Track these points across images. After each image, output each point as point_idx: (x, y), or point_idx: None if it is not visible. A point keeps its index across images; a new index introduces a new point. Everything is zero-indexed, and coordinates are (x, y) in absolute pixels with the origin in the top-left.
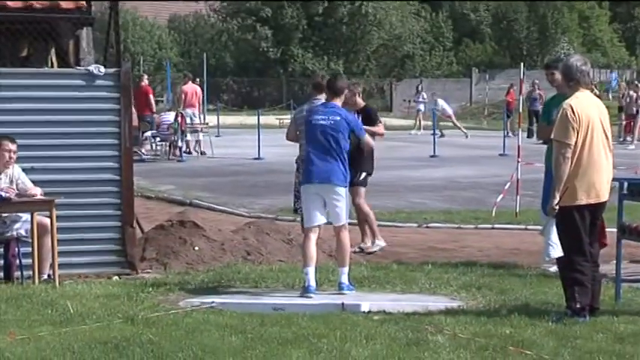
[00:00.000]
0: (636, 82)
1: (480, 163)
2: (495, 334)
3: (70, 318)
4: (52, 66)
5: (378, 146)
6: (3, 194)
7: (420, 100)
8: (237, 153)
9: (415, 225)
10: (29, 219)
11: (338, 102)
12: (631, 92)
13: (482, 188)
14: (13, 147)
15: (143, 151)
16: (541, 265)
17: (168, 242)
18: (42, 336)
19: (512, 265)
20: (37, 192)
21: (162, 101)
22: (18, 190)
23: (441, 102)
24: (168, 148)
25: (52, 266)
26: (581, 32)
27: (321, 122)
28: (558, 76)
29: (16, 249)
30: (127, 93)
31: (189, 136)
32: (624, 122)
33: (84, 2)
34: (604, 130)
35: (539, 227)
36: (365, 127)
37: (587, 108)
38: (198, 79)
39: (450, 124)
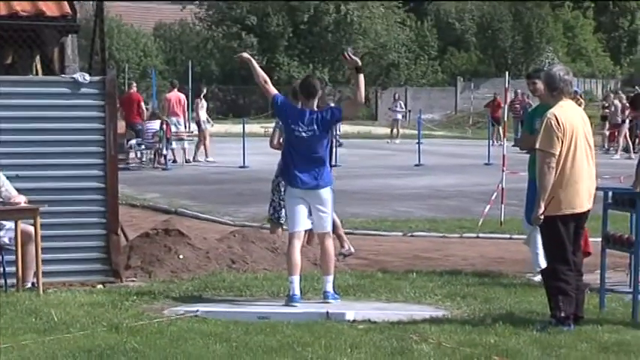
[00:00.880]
0: (620, 93)
1: (465, 172)
2: (480, 343)
3: (54, 326)
4: (36, 74)
5: (363, 154)
6: None
7: (398, 109)
8: (223, 161)
9: (400, 234)
10: (13, 227)
11: (313, 103)
12: (616, 102)
13: (467, 197)
14: None
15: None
16: (525, 275)
17: (153, 250)
18: (26, 344)
19: (496, 274)
20: (22, 200)
21: (147, 109)
22: (2, 197)
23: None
24: (153, 156)
25: (36, 274)
26: (566, 42)
27: (302, 135)
28: (540, 85)
29: (0, 257)
30: (112, 101)
31: (174, 145)
32: (608, 132)
33: (69, 10)
34: (587, 140)
35: (524, 236)
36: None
37: (572, 117)
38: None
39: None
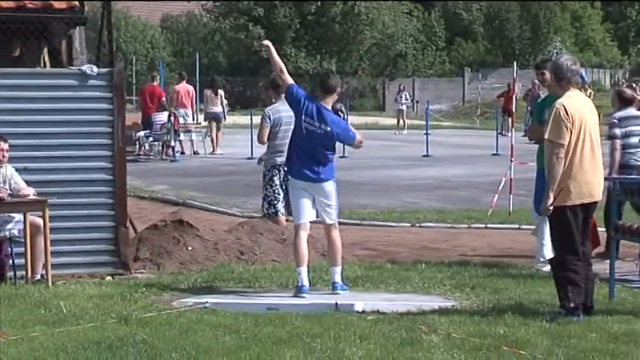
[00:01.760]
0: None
1: (473, 163)
2: (489, 334)
3: (63, 318)
4: (44, 66)
5: (371, 145)
6: None
7: (402, 100)
8: (230, 153)
9: (408, 225)
10: (22, 219)
11: (330, 100)
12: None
13: (475, 187)
14: (4, 146)
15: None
16: (534, 265)
17: (162, 242)
18: (35, 336)
19: (505, 264)
20: (30, 192)
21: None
22: (11, 190)
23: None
24: (161, 148)
25: (45, 266)
26: (574, 32)
27: (312, 129)
28: (549, 76)
29: (9, 249)
30: (119, 92)
31: (182, 136)
32: None
33: (76, 2)
34: (595, 130)
35: (533, 227)
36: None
37: (580, 108)
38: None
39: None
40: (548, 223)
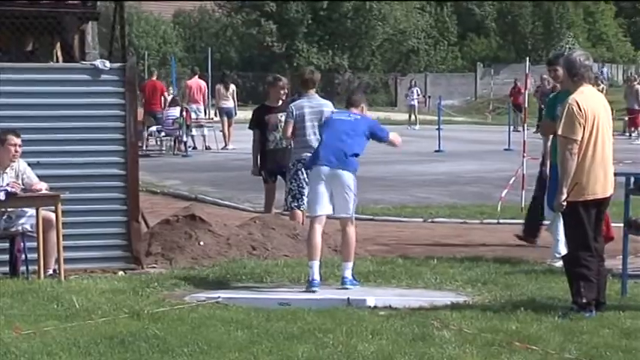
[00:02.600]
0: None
1: (485, 158)
2: (501, 330)
3: (75, 313)
4: (57, 60)
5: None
6: (9, 189)
7: (414, 95)
8: (242, 148)
9: (420, 220)
10: (34, 214)
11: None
12: (638, 86)
13: (487, 183)
14: (18, 141)
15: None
16: (547, 261)
17: (174, 237)
18: (48, 331)
19: (517, 260)
20: (43, 187)
21: (166, 96)
22: (23, 184)
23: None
24: (173, 143)
25: (57, 261)
26: (586, 27)
27: (341, 117)
28: (562, 72)
29: (22, 244)
30: (132, 87)
31: (194, 132)
32: (627, 118)
33: None
34: (608, 126)
35: (546, 223)
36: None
37: (593, 103)
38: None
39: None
40: (562, 219)
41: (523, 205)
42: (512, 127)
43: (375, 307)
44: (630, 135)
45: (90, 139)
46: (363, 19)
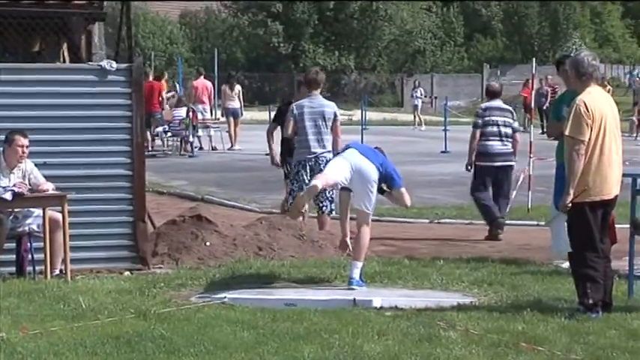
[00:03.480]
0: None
1: None
2: (508, 330)
3: (82, 313)
4: (64, 61)
5: (389, 140)
6: (16, 189)
7: (418, 95)
8: (249, 148)
9: (426, 221)
10: (41, 214)
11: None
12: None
13: None
14: (25, 142)
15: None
16: (553, 261)
17: (180, 237)
18: (54, 331)
19: (524, 261)
20: (50, 187)
21: (168, 97)
22: (30, 185)
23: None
24: (179, 143)
25: (64, 261)
26: (593, 28)
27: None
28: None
29: (29, 244)
30: (138, 88)
31: (200, 132)
32: (636, 118)
33: None
34: (615, 126)
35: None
36: None
37: (600, 104)
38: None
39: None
40: (564, 217)
41: (530, 206)
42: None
43: (382, 307)
44: (636, 137)
45: (96, 140)
46: (370, 19)
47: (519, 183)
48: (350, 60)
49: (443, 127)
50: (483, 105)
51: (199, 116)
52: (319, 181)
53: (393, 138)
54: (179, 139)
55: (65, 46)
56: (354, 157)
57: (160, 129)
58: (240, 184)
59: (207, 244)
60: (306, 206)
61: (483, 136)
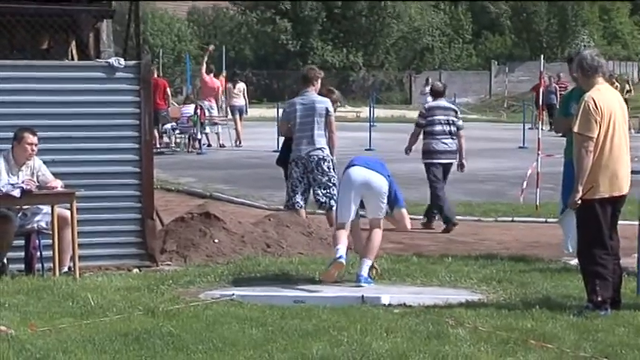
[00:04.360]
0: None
1: (500, 156)
2: (516, 328)
3: (90, 310)
4: (72, 59)
5: (398, 138)
6: (24, 187)
7: (425, 92)
8: (257, 145)
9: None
10: (50, 211)
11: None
12: None
13: (502, 181)
14: (34, 139)
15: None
16: (561, 258)
17: (188, 235)
18: (63, 328)
19: (532, 258)
20: (58, 184)
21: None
22: (39, 182)
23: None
24: (187, 140)
25: (72, 258)
26: (602, 25)
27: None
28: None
29: (37, 241)
30: (147, 85)
31: (207, 129)
32: None
33: None
34: (623, 123)
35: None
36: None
37: (609, 100)
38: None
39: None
40: (574, 215)
41: (538, 203)
42: (530, 125)
43: (390, 304)
44: None
45: (105, 137)
46: (378, 16)
47: (528, 176)
48: (358, 57)
49: None
50: (427, 105)
51: (206, 113)
52: (341, 247)
53: (402, 135)
54: (187, 137)
55: (73, 43)
56: (359, 174)
57: (167, 126)
58: (248, 181)
59: (216, 241)
60: (302, 203)
61: (430, 135)
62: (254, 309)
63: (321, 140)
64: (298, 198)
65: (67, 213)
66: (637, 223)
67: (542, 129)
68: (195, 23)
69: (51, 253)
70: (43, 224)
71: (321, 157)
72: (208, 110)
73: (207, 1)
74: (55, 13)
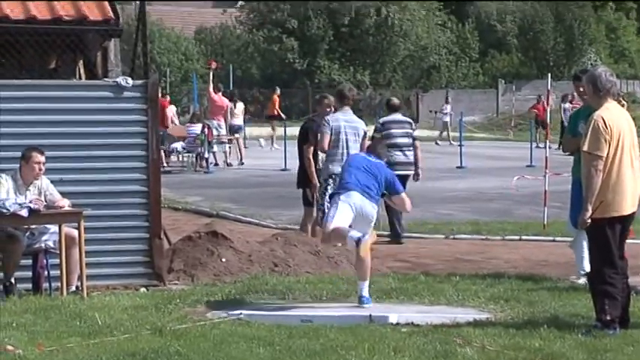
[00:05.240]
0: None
1: (507, 174)
2: (524, 347)
3: (98, 329)
4: (80, 78)
5: None
6: (32, 206)
7: (447, 111)
8: (264, 164)
9: (442, 236)
10: (57, 230)
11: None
12: None
13: (509, 199)
14: (42, 158)
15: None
16: (570, 277)
17: (196, 254)
18: (70, 347)
19: (540, 277)
20: (66, 204)
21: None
22: (46, 201)
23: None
24: (194, 159)
25: (80, 278)
26: (609, 43)
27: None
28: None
29: (45, 260)
30: (154, 104)
31: (215, 148)
32: None
33: (111, 14)
34: (632, 142)
35: (568, 239)
36: None
37: (618, 119)
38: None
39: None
40: (584, 234)
41: (545, 222)
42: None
43: (398, 323)
44: None
45: (112, 156)
46: (385, 35)
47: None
48: (365, 76)
49: (458, 143)
50: (381, 120)
51: (215, 132)
52: (352, 231)
53: None
54: (194, 155)
55: (81, 62)
56: (356, 200)
57: (177, 145)
58: (255, 199)
59: (223, 260)
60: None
61: (387, 148)
62: (261, 328)
63: None
64: None
65: (75, 232)
66: None
67: (549, 147)
68: (202, 42)
69: (58, 272)
70: (50, 243)
71: None
72: (217, 129)
73: (215, 0)
74: (63, 33)
